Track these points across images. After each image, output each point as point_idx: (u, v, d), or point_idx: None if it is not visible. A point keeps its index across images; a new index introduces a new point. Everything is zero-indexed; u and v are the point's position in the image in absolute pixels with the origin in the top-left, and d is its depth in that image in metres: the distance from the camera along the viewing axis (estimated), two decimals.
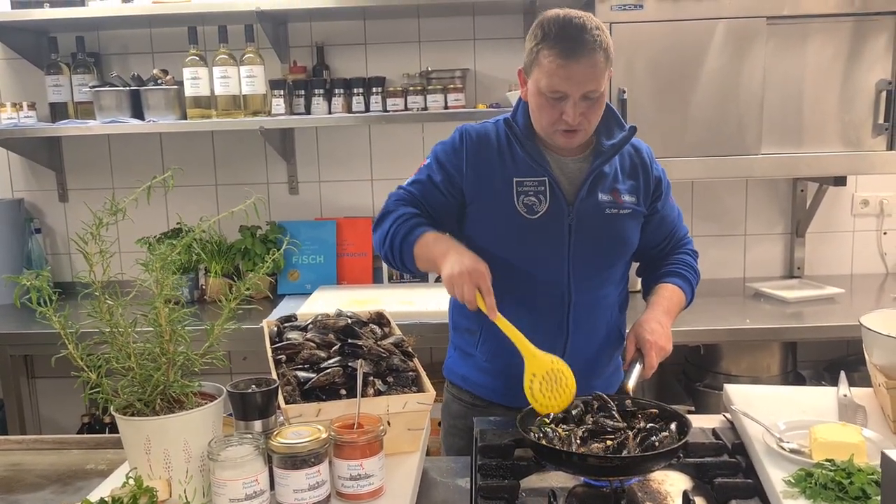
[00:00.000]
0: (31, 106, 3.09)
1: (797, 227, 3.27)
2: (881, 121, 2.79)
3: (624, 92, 2.73)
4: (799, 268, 3.29)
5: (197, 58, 2.97)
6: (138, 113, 3.02)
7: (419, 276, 1.88)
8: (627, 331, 1.83)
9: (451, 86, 3.03)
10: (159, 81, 3.02)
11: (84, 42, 3.13)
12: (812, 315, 2.77)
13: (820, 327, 2.65)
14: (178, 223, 3.21)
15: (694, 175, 2.85)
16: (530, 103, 1.76)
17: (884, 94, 2.77)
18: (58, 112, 3.14)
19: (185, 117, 3.02)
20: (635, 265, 2.04)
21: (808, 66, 2.78)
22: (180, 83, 3.01)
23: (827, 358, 3.09)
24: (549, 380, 1.58)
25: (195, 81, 2.96)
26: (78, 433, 3.28)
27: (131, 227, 3.28)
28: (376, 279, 3.28)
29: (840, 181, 2.98)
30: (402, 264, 1.78)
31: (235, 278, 3.19)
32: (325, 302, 2.94)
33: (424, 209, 1.82)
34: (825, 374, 2.95)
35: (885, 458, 0.79)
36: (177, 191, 3.30)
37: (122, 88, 2.99)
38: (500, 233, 1.78)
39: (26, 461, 1.58)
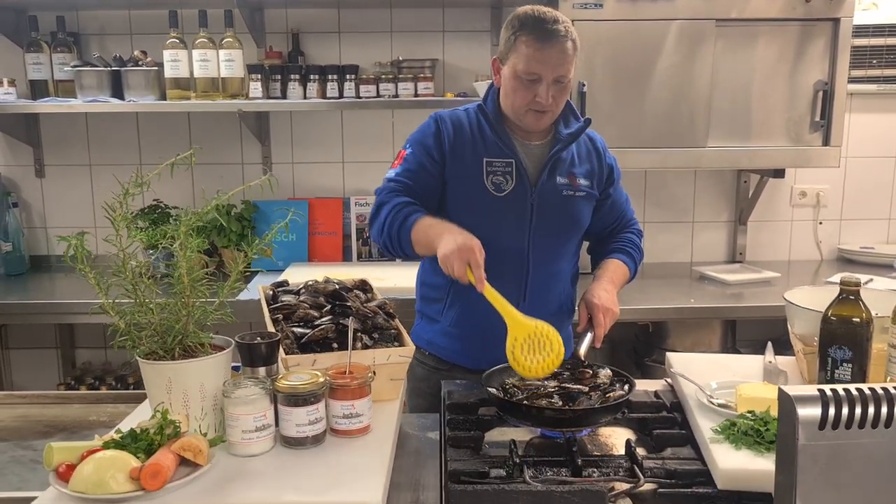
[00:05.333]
0: (11, 83, 3.17)
1: (740, 215, 3.51)
2: (818, 118, 3.02)
3: (584, 85, 2.92)
4: (741, 253, 3.53)
5: (177, 40, 3.08)
6: (118, 93, 3.12)
7: (416, 259, 2.01)
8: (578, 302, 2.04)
9: (422, 75, 3.19)
10: (140, 63, 3.12)
11: (64, 21, 3.21)
12: (751, 296, 3.01)
13: (757, 307, 2.89)
14: (154, 200, 3.32)
15: (647, 165, 3.06)
16: (505, 87, 1.95)
17: (820, 93, 3.00)
18: (37, 89, 3.22)
19: (164, 98, 3.13)
20: (586, 243, 2.24)
21: (753, 66, 2.99)
22: (160, 65, 3.11)
23: (763, 336, 3.31)
24: (531, 343, 1.67)
25: (175, 63, 3.07)
26: None
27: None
28: (346, 258, 3.44)
29: (779, 173, 3.22)
30: (401, 251, 1.91)
31: (210, 254, 3.31)
32: (298, 278, 3.06)
33: (416, 195, 1.95)
34: (762, 350, 3.18)
35: (780, 392, 0.98)
36: (153, 169, 3.41)
37: (103, 68, 3.09)
38: (470, 209, 1.96)
39: (32, 413, 1.72)
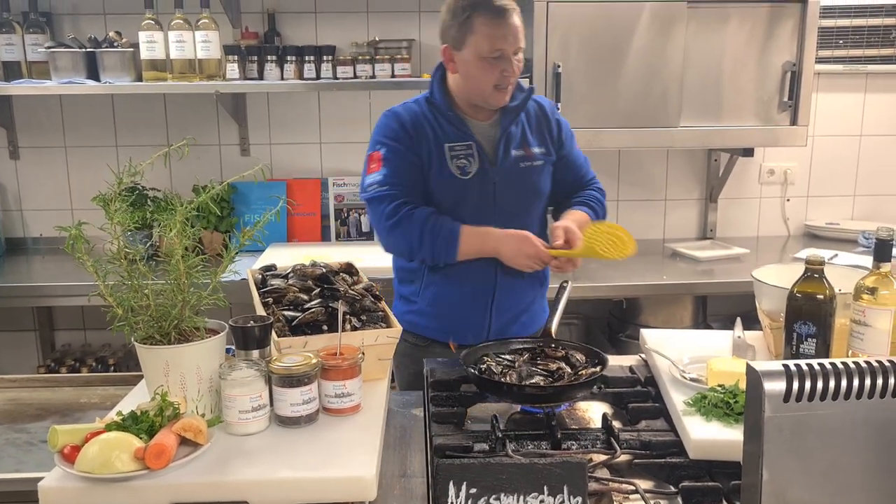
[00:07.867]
0: None
1: (711, 193, 3.60)
2: (786, 98, 3.10)
3: (559, 66, 2.97)
4: (712, 230, 3.63)
5: (152, 21, 3.06)
6: (93, 74, 3.11)
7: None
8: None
9: (399, 56, 3.21)
10: (115, 44, 3.10)
11: (36, 1, 3.18)
12: (721, 272, 3.10)
13: (727, 283, 2.98)
14: (132, 182, 3.31)
15: (621, 144, 3.12)
16: (467, 72, 1.98)
17: (788, 74, 3.08)
18: (10, 71, 3.19)
19: (140, 79, 3.12)
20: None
21: (724, 48, 3.05)
22: (135, 46, 3.10)
23: (733, 311, 3.42)
24: (608, 239, 1.91)
25: (151, 45, 3.06)
26: None
27: (83, 186, 3.39)
28: (325, 237, 3.47)
29: (748, 152, 3.30)
30: (433, 258, 1.98)
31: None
32: (279, 258, 3.11)
33: (412, 192, 1.99)
34: (731, 325, 3.29)
35: (748, 367, 1.05)
36: (128, 150, 3.41)
37: (78, 50, 3.07)
38: (439, 195, 2.02)
39: (23, 397, 1.75)
